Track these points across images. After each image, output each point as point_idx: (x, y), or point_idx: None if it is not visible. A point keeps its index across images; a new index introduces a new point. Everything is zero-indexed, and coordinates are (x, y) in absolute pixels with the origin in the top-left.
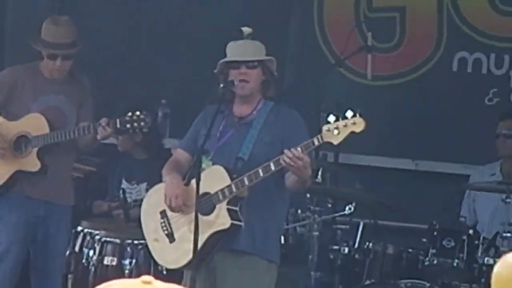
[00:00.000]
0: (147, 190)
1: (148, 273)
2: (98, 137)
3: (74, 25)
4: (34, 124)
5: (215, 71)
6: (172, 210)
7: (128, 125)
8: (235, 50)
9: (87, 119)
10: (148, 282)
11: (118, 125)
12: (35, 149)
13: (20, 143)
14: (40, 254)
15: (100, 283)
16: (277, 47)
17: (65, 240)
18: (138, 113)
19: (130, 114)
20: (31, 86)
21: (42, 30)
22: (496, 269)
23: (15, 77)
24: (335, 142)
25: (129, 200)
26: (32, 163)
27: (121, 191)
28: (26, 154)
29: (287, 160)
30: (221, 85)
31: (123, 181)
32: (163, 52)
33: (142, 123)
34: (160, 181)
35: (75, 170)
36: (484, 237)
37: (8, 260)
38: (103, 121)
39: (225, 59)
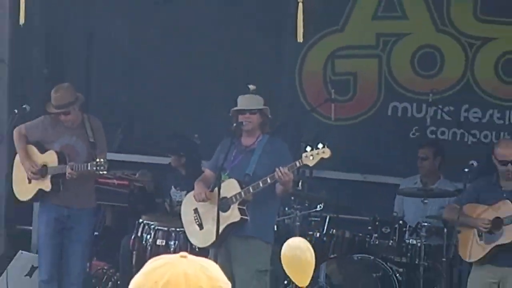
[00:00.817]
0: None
1: (186, 251)
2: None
3: (72, 89)
4: (51, 158)
5: (230, 114)
6: (198, 201)
7: (91, 168)
8: (242, 102)
9: (102, 150)
10: (184, 256)
11: (82, 169)
12: (49, 175)
13: (42, 170)
14: (67, 241)
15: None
16: (271, 98)
17: (86, 231)
18: (98, 160)
19: (95, 161)
20: (54, 131)
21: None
22: (283, 250)
23: (46, 125)
24: (311, 164)
25: (174, 201)
26: (46, 185)
27: (170, 195)
28: (45, 178)
29: (279, 175)
30: (234, 125)
31: (172, 187)
32: (195, 98)
33: (101, 167)
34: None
35: (136, 182)
36: (409, 226)
37: (47, 245)
38: (69, 166)
39: (236, 108)
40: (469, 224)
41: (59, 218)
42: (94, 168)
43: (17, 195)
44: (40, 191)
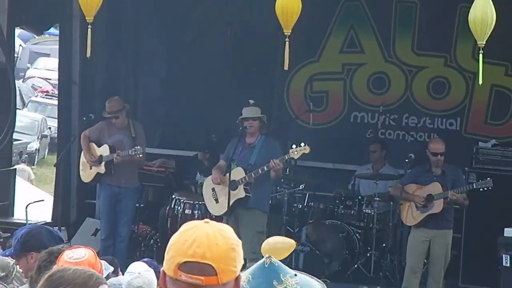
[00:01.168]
0: None
1: (206, 217)
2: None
3: (120, 100)
4: (105, 150)
5: (237, 121)
6: (215, 182)
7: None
8: (246, 112)
9: (141, 143)
10: (207, 222)
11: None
12: (103, 162)
13: (99, 159)
14: (119, 210)
15: (183, 223)
16: (267, 109)
17: (131, 204)
18: (135, 148)
19: (134, 148)
20: (108, 131)
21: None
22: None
23: (103, 127)
24: (296, 158)
25: (198, 183)
26: (101, 169)
27: (196, 178)
28: (101, 165)
29: (272, 165)
30: (240, 128)
31: (198, 174)
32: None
33: (138, 152)
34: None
35: (168, 168)
36: (365, 199)
37: (104, 214)
38: (117, 153)
39: (241, 117)
40: (409, 199)
41: (112, 195)
42: (134, 153)
43: (82, 179)
44: (98, 174)
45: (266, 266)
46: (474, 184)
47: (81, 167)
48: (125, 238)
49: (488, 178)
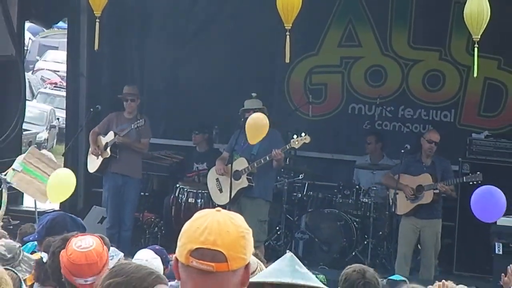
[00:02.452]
0: (206, 167)
1: (209, 207)
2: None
3: (137, 89)
4: (109, 136)
5: (239, 113)
6: (219, 173)
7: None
8: (248, 104)
9: (146, 135)
10: (219, 210)
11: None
12: (109, 148)
13: (104, 146)
14: (122, 201)
15: (187, 211)
16: (268, 101)
17: (135, 194)
18: (136, 123)
19: (136, 123)
20: (117, 121)
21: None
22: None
23: (111, 118)
24: (296, 147)
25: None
26: (106, 154)
27: (196, 167)
28: (107, 151)
29: (274, 154)
30: (242, 120)
31: (194, 163)
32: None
33: (139, 124)
34: (213, 164)
35: (172, 158)
36: (363, 189)
37: (108, 205)
38: (119, 134)
39: (243, 108)
40: (400, 188)
41: (116, 185)
42: (136, 126)
43: (89, 170)
44: (104, 160)
45: (288, 257)
46: (464, 177)
47: (88, 160)
48: (129, 227)
49: (478, 172)
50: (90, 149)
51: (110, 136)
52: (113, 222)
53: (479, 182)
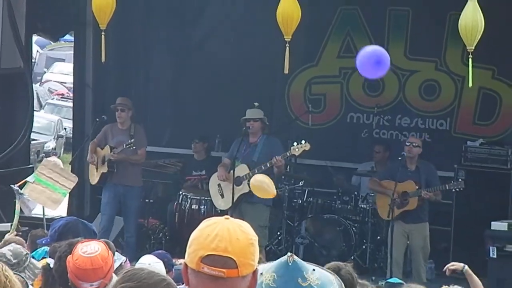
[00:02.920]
0: (205, 173)
1: (212, 213)
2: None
3: (129, 101)
4: (107, 150)
5: (241, 121)
6: (220, 179)
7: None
8: (249, 113)
9: (142, 144)
10: (227, 218)
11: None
12: (106, 162)
13: (103, 159)
14: (125, 209)
15: (190, 217)
16: (269, 111)
17: (135, 203)
18: (127, 143)
19: (126, 144)
20: (112, 133)
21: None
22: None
23: (107, 130)
24: (297, 154)
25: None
26: (105, 168)
27: (198, 173)
28: (104, 165)
29: (275, 161)
30: (244, 128)
31: (193, 171)
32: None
33: (130, 146)
34: (214, 171)
35: (176, 166)
36: (361, 195)
37: (105, 211)
38: (113, 151)
39: (244, 117)
40: (386, 193)
41: (117, 194)
42: (127, 147)
43: (90, 182)
44: (103, 174)
45: (290, 264)
46: (447, 185)
47: (89, 173)
48: (133, 234)
49: (460, 180)
50: (87, 157)
51: (107, 150)
52: (107, 227)
53: (461, 189)
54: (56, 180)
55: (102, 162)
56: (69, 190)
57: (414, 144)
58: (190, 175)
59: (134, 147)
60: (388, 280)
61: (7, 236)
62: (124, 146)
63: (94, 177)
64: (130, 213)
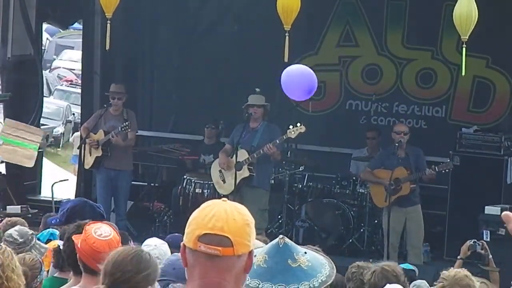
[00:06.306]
0: (213, 158)
1: (215, 197)
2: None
3: (124, 87)
4: (100, 135)
5: (243, 107)
6: (222, 167)
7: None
8: (252, 99)
9: (133, 129)
10: (225, 200)
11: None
12: (100, 145)
13: (97, 143)
14: (115, 192)
15: (194, 201)
16: (270, 97)
17: (127, 186)
18: (122, 126)
19: (122, 126)
20: (104, 118)
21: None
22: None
23: (97, 114)
24: (293, 137)
25: (206, 162)
26: (99, 152)
27: (202, 159)
28: (99, 149)
29: (266, 149)
30: (246, 114)
31: (201, 155)
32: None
33: (126, 127)
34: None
35: (181, 151)
36: (359, 180)
37: (101, 194)
38: (110, 134)
39: (247, 103)
40: (379, 182)
41: (109, 178)
42: (123, 129)
43: (84, 167)
44: (97, 158)
45: (281, 246)
46: (436, 167)
47: (83, 157)
48: (123, 216)
49: (448, 160)
50: (80, 143)
51: (100, 135)
52: (107, 210)
53: (450, 169)
54: (24, 137)
55: (96, 147)
56: (39, 144)
57: (404, 132)
58: (197, 159)
59: (130, 130)
60: (400, 265)
61: None
62: (120, 129)
63: (88, 161)
64: (121, 196)
